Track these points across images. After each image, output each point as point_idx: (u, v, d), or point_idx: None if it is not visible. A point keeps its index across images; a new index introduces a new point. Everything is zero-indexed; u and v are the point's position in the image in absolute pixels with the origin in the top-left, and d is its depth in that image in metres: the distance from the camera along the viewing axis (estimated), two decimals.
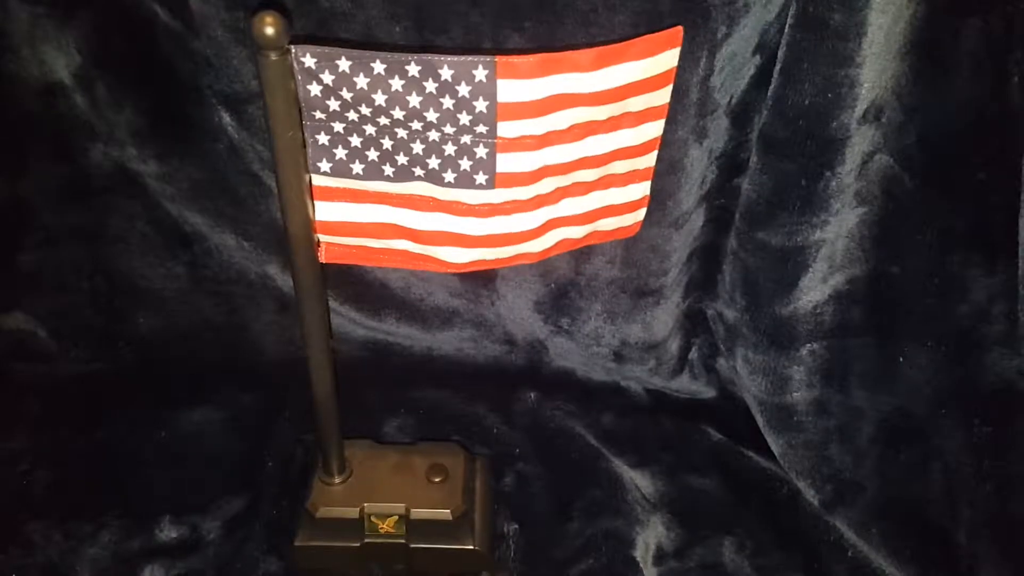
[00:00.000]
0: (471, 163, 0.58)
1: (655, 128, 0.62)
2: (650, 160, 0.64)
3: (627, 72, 0.56)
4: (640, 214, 0.68)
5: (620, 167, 0.63)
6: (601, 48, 0.55)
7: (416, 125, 0.56)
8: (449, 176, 0.59)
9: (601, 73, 0.56)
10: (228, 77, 0.80)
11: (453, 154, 0.58)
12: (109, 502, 0.82)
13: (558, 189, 0.63)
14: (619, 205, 0.66)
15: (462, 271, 0.67)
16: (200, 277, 0.95)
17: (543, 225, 0.65)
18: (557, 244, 0.68)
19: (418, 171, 0.59)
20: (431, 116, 0.55)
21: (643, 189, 0.66)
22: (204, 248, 0.93)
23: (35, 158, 0.87)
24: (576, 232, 0.67)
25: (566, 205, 0.64)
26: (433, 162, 0.58)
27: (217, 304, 0.96)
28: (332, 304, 0.97)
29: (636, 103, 0.59)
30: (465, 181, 0.59)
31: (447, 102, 0.54)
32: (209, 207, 0.90)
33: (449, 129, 0.56)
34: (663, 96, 0.60)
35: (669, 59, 0.58)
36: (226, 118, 0.83)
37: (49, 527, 0.80)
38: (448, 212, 0.62)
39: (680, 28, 0.56)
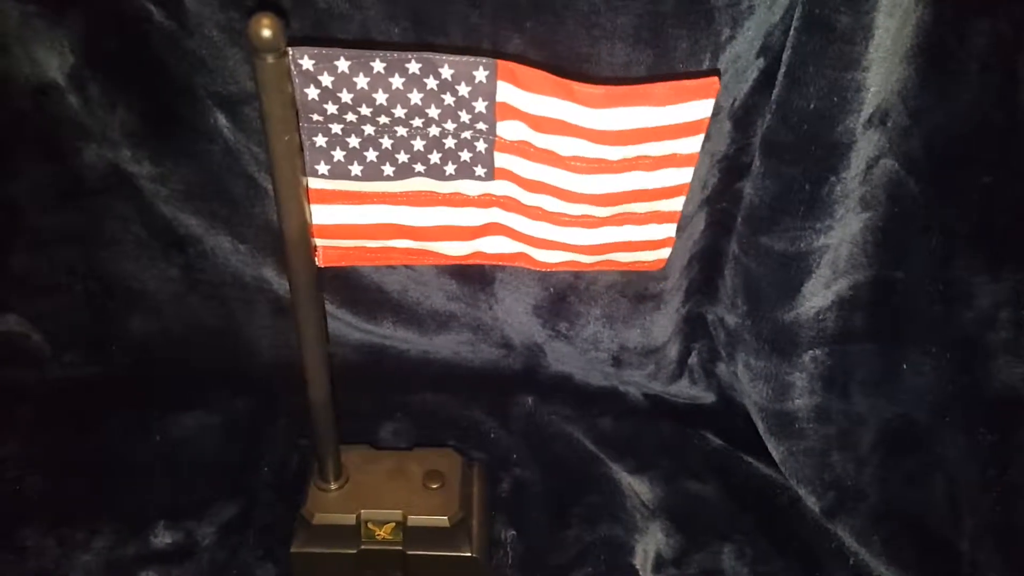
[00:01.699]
0: (471, 155, 0.58)
1: (681, 175, 0.58)
2: (676, 204, 0.61)
3: (646, 116, 0.54)
4: (664, 252, 0.65)
5: (638, 208, 0.61)
6: (612, 88, 0.52)
7: (417, 122, 0.56)
8: (450, 168, 0.59)
9: (613, 113, 0.53)
10: (223, 78, 0.79)
11: (453, 147, 0.58)
12: (103, 508, 0.81)
13: (564, 215, 0.61)
14: (638, 242, 0.64)
15: (462, 263, 0.66)
16: (195, 280, 0.94)
17: (547, 241, 0.64)
18: (565, 263, 0.66)
19: (419, 167, 0.59)
20: (432, 112, 0.55)
21: (667, 230, 0.63)
22: (199, 251, 0.92)
23: (27, 159, 0.86)
24: (585, 259, 0.66)
25: (574, 234, 0.63)
26: (434, 157, 0.58)
27: (212, 307, 0.95)
28: (328, 308, 0.96)
29: (656, 148, 0.56)
30: (465, 172, 0.59)
31: (448, 99, 0.54)
32: (204, 209, 0.89)
33: (450, 125, 0.56)
34: (692, 145, 0.56)
35: (701, 109, 0.54)
36: (221, 119, 0.82)
37: (42, 533, 0.79)
38: (448, 205, 0.61)
39: (716, 80, 0.53)
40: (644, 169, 0.58)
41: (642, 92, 0.53)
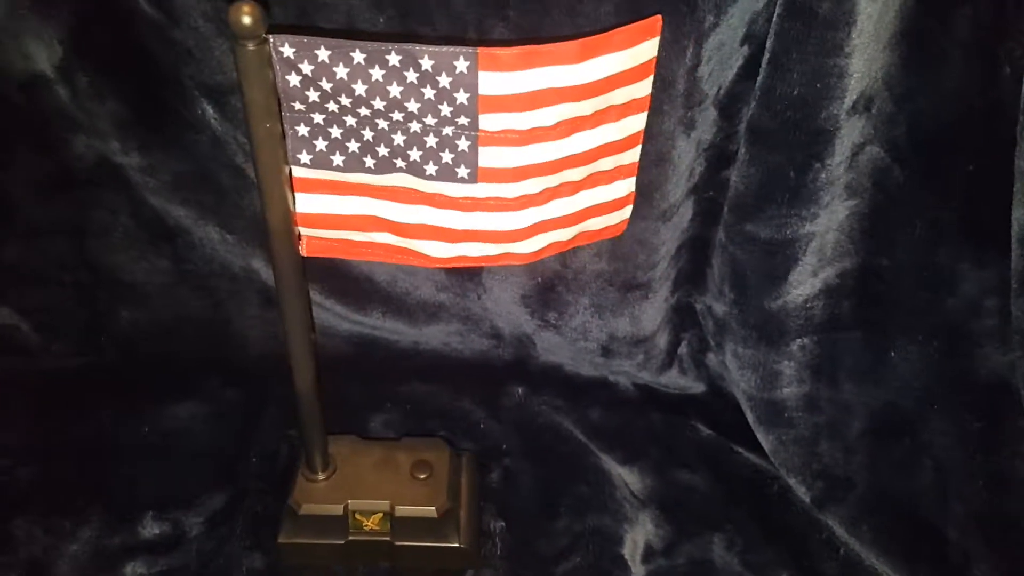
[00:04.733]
0: (453, 156, 0.57)
1: (638, 121, 0.61)
2: (634, 155, 0.63)
3: (610, 63, 0.55)
4: (626, 211, 0.67)
5: (606, 164, 0.62)
6: (585, 39, 0.53)
7: (397, 116, 0.55)
8: (431, 168, 0.58)
9: (586, 65, 0.54)
10: (210, 68, 0.79)
11: (435, 146, 0.57)
12: (91, 498, 0.82)
13: (547, 190, 0.62)
14: (606, 203, 0.65)
15: (446, 266, 0.66)
16: (183, 271, 0.94)
17: (532, 227, 0.64)
18: (547, 247, 0.66)
19: (399, 163, 0.58)
20: (412, 106, 0.55)
21: (628, 185, 0.65)
22: (187, 241, 0.92)
23: (16, 151, 0.86)
24: (565, 234, 0.66)
25: (555, 207, 0.63)
26: (414, 154, 0.58)
27: (201, 298, 0.96)
28: (317, 298, 0.96)
29: (619, 95, 0.58)
30: (447, 174, 0.59)
31: (428, 92, 0.54)
32: (192, 200, 0.89)
33: (430, 120, 0.55)
34: (644, 88, 0.59)
35: (648, 49, 0.57)
36: (209, 110, 0.82)
37: (31, 523, 0.79)
38: (430, 204, 0.61)
39: (659, 17, 0.55)
40: (612, 120, 0.59)
41: (605, 40, 0.54)
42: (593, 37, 0.54)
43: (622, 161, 0.63)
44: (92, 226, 0.90)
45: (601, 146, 0.61)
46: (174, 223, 0.90)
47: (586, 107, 0.57)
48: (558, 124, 0.57)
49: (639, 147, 0.63)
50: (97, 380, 0.95)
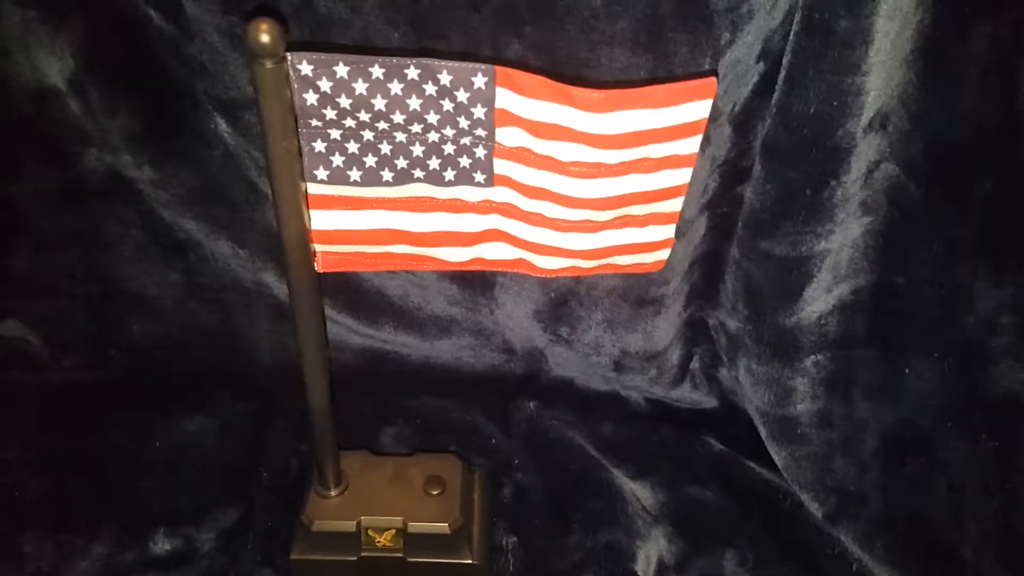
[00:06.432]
0: (470, 162, 0.58)
1: (679, 176, 0.59)
2: (675, 205, 0.61)
3: (644, 119, 0.54)
4: (663, 253, 0.66)
5: (637, 210, 0.61)
6: (612, 91, 0.53)
7: (416, 128, 0.56)
8: (449, 175, 0.59)
9: (611, 117, 0.54)
10: (223, 83, 0.79)
11: (452, 153, 0.58)
12: (102, 513, 0.81)
13: (564, 220, 0.61)
14: (638, 244, 0.64)
15: (463, 269, 0.66)
16: (195, 284, 0.94)
17: (547, 247, 0.64)
18: (565, 269, 0.67)
19: (418, 173, 0.59)
20: (431, 118, 0.55)
21: (667, 232, 0.64)
22: (199, 255, 0.92)
23: (28, 163, 0.86)
24: (586, 263, 0.66)
25: (574, 239, 0.63)
26: (433, 162, 0.58)
27: (212, 312, 0.95)
28: (329, 312, 0.96)
29: (655, 150, 0.57)
30: (464, 178, 0.59)
31: (447, 104, 0.54)
32: (204, 214, 0.89)
33: (449, 131, 0.56)
34: (690, 145, 0.57)
35: (699, 110, 0.55)
36: (222, 124, 0.82)
37: (41, 538, 0.79)
38: (447, 211, 0.61)
39: (714, 80, 0.54)
40: (643, 171, 0.58)
41: (640, 95, 0.53)
42: (625, 91, 0.53)
43: (658, 209, 0.61)
44: (103, 239, 0.90)
45: (629, 194, 0.59)
46: (185, 236, 0.90)
47: (609, 156, 0.56)
48: (576, 164, 0.57)
49: (681, 198, 0.61)
50: (107, 393, 0.94)
